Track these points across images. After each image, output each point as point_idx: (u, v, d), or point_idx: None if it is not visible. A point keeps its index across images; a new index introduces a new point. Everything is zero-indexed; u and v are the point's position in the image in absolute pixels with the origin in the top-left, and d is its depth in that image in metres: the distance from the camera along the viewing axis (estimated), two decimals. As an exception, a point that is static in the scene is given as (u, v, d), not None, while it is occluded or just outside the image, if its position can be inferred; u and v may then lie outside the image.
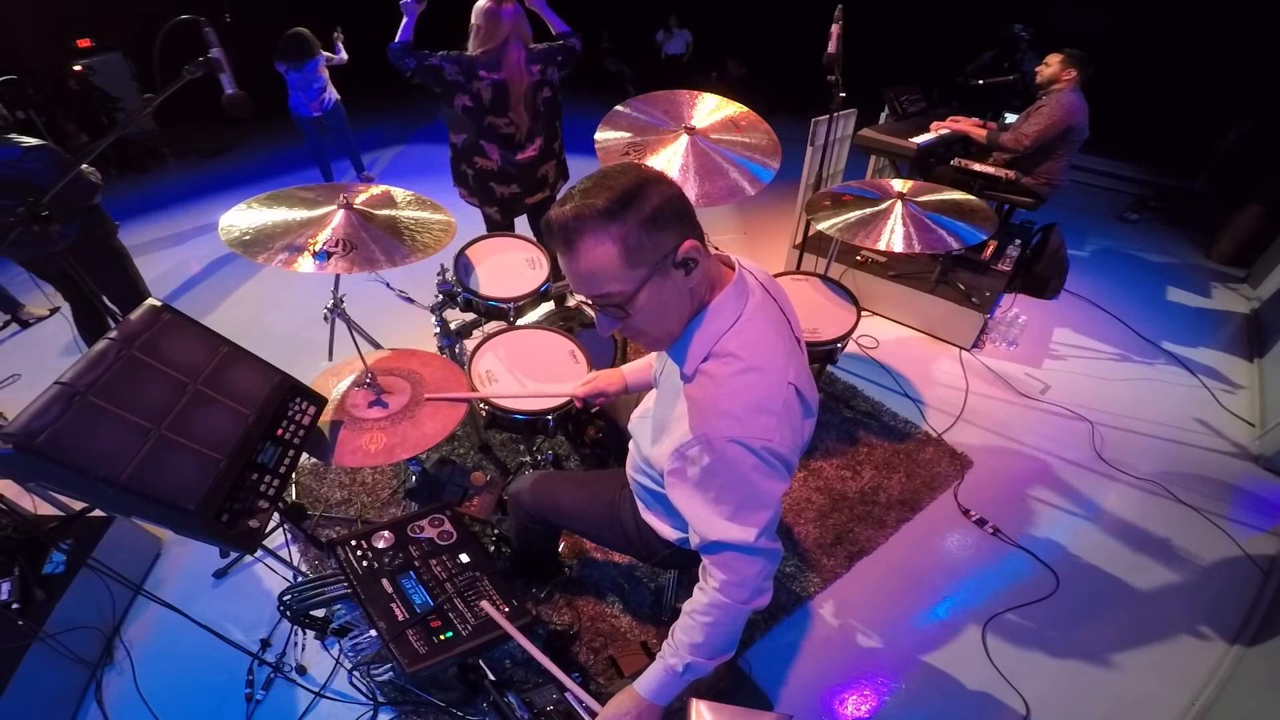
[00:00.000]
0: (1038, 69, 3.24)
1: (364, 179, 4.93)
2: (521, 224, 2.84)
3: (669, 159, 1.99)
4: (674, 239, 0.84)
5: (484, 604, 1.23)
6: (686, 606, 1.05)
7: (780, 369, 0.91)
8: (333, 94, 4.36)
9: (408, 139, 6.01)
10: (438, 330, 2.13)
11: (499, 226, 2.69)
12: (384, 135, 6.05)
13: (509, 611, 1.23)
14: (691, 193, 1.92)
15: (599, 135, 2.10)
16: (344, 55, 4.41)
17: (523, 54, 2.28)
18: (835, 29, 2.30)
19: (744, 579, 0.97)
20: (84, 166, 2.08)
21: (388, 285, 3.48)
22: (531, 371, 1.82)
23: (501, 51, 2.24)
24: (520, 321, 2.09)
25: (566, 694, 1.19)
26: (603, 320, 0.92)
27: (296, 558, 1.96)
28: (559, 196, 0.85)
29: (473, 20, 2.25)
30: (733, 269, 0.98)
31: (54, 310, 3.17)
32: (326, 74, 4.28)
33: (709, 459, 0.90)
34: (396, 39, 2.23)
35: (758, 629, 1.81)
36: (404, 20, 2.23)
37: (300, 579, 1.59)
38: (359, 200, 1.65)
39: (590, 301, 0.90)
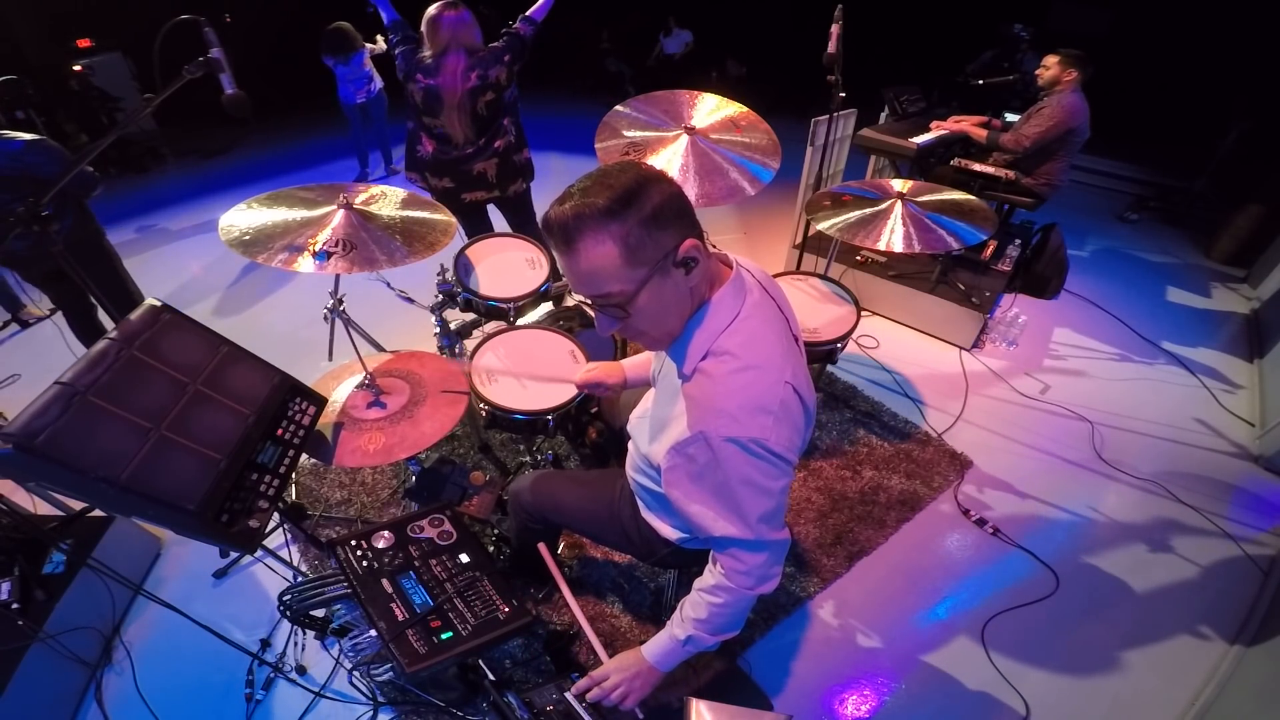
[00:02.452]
0: (1038, 71, 3.24)
1: (391, 171, 5.13)
2: (500, 223, 2.84)
3: (669, 159, 1.99)
4: (675, 238, 0.84)
5: (541, 546, 1.33)
6: (697, 583, 1.07)
7: (778, 368, 0.91)
8: (378, 82, 4.51)
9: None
10: (438, 330, 2.13)
11: (462, 218, 2.69)
12: (397, 134, 6.03)
13: (509, 612, 1.24)
14: (691, 193, 1.92)
15: (599, 135, 2.10)
16: (384, 45, 4.49)
17: (462, 62, 2.28)
18: (835, 29, 2.30)
19: (749, 568, 0.99)
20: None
21: (388, 285, 3.48)
22: (531, 371, 1.82)
23: (440, 59, 2.28)
24: (520, 321, 2.09)
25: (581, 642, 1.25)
26: (602, 320, 0.92)
27: (296, 558, 1.96)
28: (558, 195, 0.84)
29: (422, 25, 2.31)
30: (731, 268, 0.98)
31: (54, 310, 3.17)
32: (372, 65, 4.42)
33: (706, 457, 0.90)
34: (385, 20, 2.37)
35: (757, 629, 1.81)
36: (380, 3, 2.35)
37: (300, 579, 1.59)
38: (359, 200, 1.65)
39: (590, 302, 0.89)
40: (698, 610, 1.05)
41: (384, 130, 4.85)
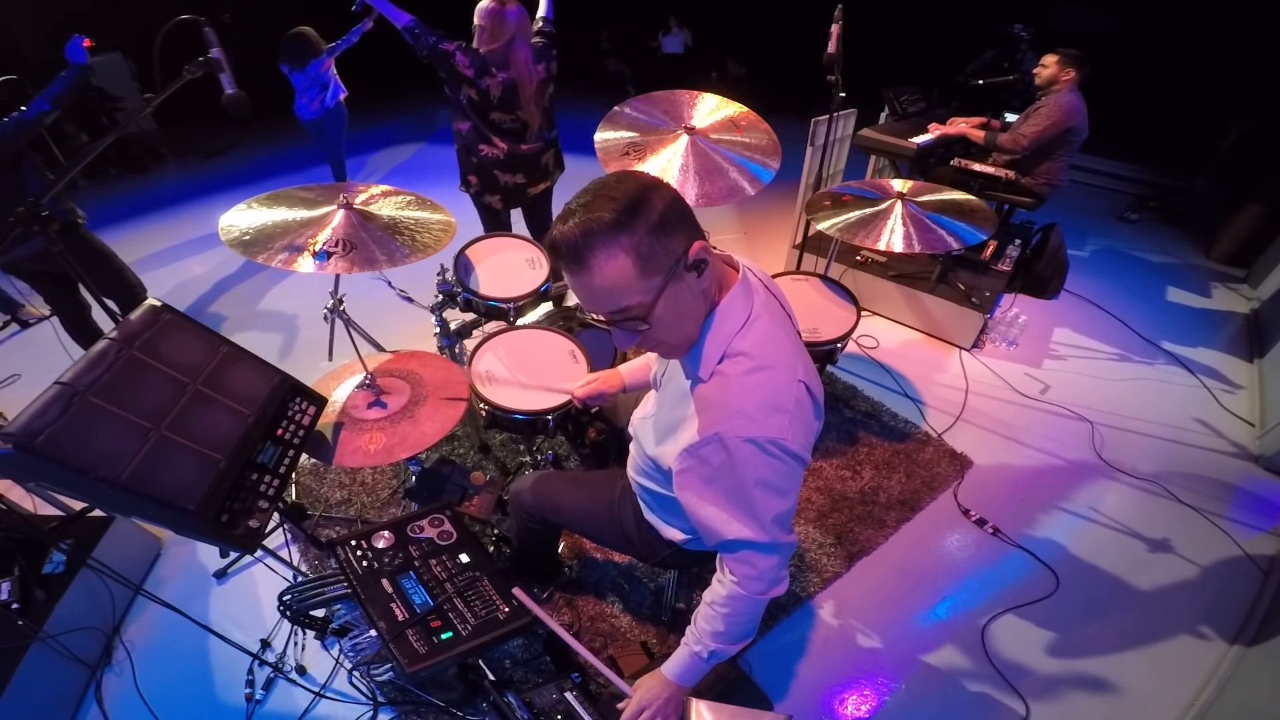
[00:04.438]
0: (1035, 70, 3.24)
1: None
2: (517, 223, 2.84)
3: (669, 159, 1.99)
4: (683, 242, 0.83)
5: (516, 590, 1.27)
6: (706, 597, 1.07)
7: (790, 367, 0.91)
8: (337, 90, 4.17)
9: (414, 140, 6.01)
10: (438, 330, 2.13)
11: (495, 218, 2.70)
12: (392, 135, 6.04)
13: (509, 612, 1.24)
14: (691, 193, 1.92)
15: (599, 135, 2.10)
16: (367, 23, 3.89)
17: (529, 52, 2.33)
18: (835, 29, 2.30)
19: (761, 572, 0.98)
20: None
21: (389, 284, 3.47)
22: (531, 371, 1.82)
23: (509, 50, 2.28)
24: (520, 321, 2.09)
25: (600, 676, 1.22)
26: (620, 335, 0.90)
27: (296, 558, 1.96)
28: (559, 212, 0.83)
29: (476, 20, 2.27)
30: (736, 269, 0.98)
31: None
32: (333, 70, 4.12)
33: (720, 459, 0.90)
34: (400, 21, 2.29)
35: (757, 629, 1.81)
36: (383, 6, 2.30)
37: (300, 579, 1.59)
38: (359, 200, 1.65)
39: (606, 319, 0.87)
40: (714, 624, 1.04)
41: (340, 145, 4.34)
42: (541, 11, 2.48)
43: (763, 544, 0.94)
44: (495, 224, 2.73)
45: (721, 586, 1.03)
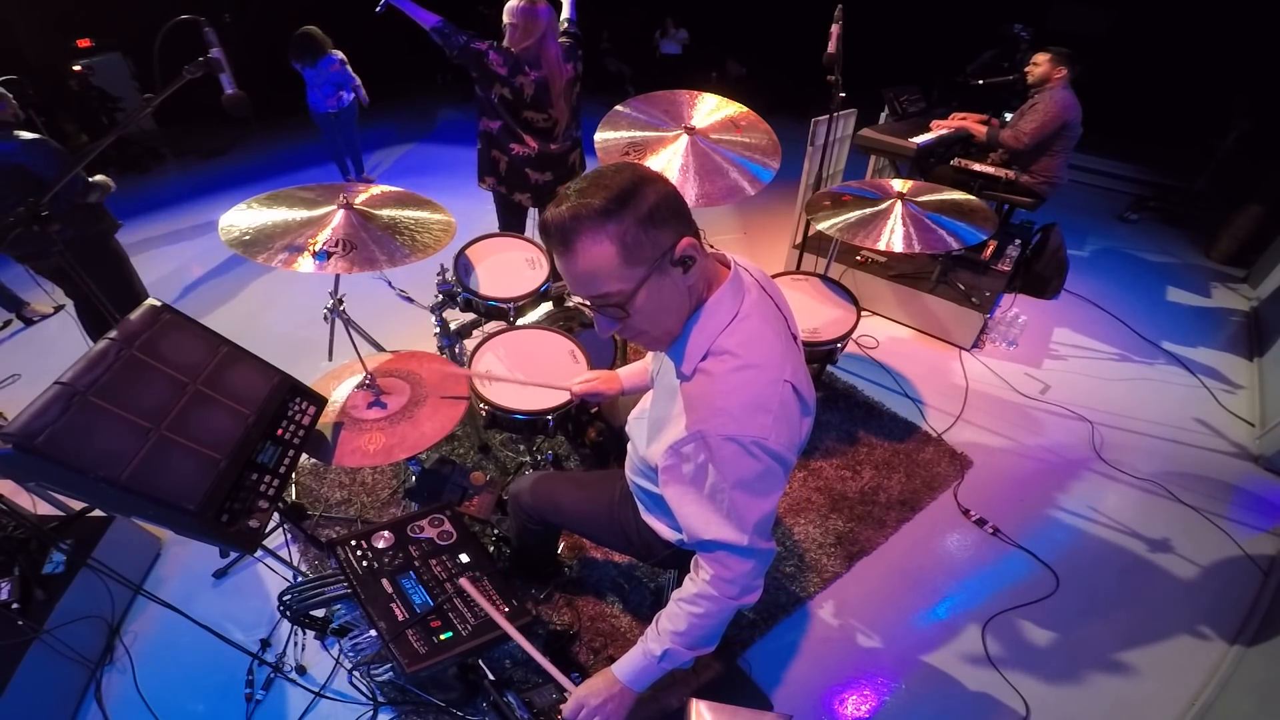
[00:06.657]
0: (1027, 69, 3.27)
1: (364, 180, 4.95)
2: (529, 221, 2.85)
3: (669, 159, 1.99)
4: (671, 237, 0.84)
5: (464, 581, 1.25)
6: (675, 594, 1.05)
7: (777, 367, 0.90)
8: (350, 92, 4.38)
9: (413, 139, 6.02)
10: (438, 330, 2.13)
11: (517, 215, 2.72)
12: (392, 134, 6.05)
13: (509, 611, 1.24)
14: (691, 193, 1.92)
15: (599, 135, 2.10)
16: (365, 97, 4.43)
17: (559, 50, 2.35)
18: (835, 29, 2.30)
19: (735, 576, 0.97)
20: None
21: (389, 284, 3.48)
22: (531, 371, 1.82)
23: (540, 48, 2.30)
24: (520, 321, 2.09)
25: (541, 669, 1.17)
26: (602, 321, 0.91)
27: (296, 558, 1.96)
28: (554, 198, 0.84)
29: (507, 19, 2.28)
30: (729, 267, 0.98)
31: (58, 308, 3.17)
32: (347, 71, 4.29)
33: (703, 456, 0.90)
34: (428, 22, 2.27)
35: (757, 629, 1.81)
36: (409, 8, 2.27)
37: (300, 579, 1.59)
38: (359, 200, 1.65)
39: (588, 303, 0.89)
40: (676, 623, 1.02)
41: (354, 137, 4.66)
42: (565, 14, 2.52)
43: (740, 547, 0.93)
44: (514, 220, 2.74)
45: (693, 585, 1.02)
